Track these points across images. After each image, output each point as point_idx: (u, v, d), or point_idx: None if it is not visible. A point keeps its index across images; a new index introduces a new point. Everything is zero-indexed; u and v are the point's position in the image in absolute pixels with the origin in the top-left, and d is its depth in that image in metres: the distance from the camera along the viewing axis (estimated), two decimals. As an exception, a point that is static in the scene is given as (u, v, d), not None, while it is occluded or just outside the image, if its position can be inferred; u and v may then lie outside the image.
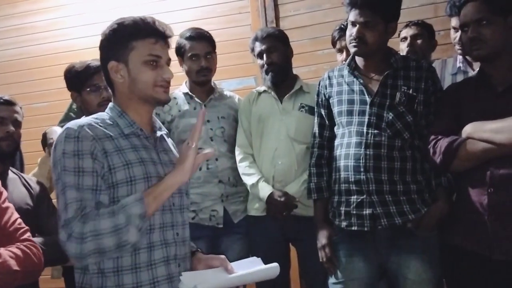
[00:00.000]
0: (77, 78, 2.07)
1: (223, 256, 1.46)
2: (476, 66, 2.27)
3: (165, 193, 1.33)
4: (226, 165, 2.41)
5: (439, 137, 1.80)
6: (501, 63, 1.76)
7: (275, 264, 1.39)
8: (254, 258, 1.48)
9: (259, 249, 2.30)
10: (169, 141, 1.56)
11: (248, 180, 2.35)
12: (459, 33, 2.37)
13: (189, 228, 1.48)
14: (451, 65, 2.49)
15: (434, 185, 1.90)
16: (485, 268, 1.71)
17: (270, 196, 2.27)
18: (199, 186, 2.36)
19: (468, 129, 1.74)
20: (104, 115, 1.44)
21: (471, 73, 2.26)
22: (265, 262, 1.45)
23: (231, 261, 1.46)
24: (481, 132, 1.71)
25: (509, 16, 1.73)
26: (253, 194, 2.36)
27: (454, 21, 2.44)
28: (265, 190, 2.29)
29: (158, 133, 1.48)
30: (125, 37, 1.39)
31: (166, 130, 1.54)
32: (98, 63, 1.64)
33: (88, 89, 2.05)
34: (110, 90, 1.48)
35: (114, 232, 1.24)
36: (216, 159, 2.39)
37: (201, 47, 2.43)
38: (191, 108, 2.46)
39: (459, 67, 2.44)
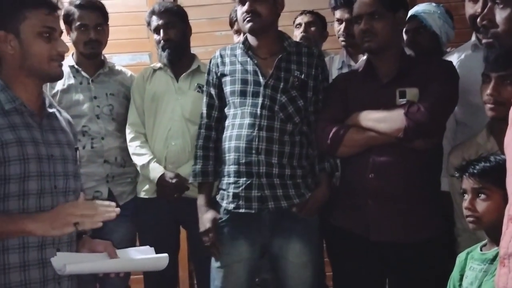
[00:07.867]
0: None
1: (109, 242, 1.41)
2: (358, 59, 2.39)
3: (15, 234, 1.23)
4: (113, 145, 2.29)
5: (327, 123, 1.87)
6: (387, 56, 1.85)
7: (164, 255, 1.35)
8: (147, 247, 1.41)
9: (148, 232, 2.25)
10: (63, 118, 1.47)
11: (139, 161, 2.26)
12: (343, 25, 2.45)
13: None
14: (337, 61, 2.59)
15: (317, 170, 1.97)
16: (363, 248, 1.82)
17: (161, 177, 2.21)
18: (82, 165, 2.21)
19: (354, 118, 1.84)
20: None
21: (354, 65, 2.37)
22: (154, 245, 1.40)
23: (116, 245, 1.40)
24: (366, 120, 1.81)
25: (397, 12, 1.84)
26: (143, 175, 2.28)
27: (339, 14, 2.47)
28: (156, 171, 2.22)
29: (50, 110, 1.40)
30: (16, 5, 1.29)
31: (59, 108, 1.46)
32: None
33: None
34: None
35: None
36: (102, 138, 2.27)
37: (91, 17, 2.27)
38: (76, 83, 2.30)
39: (343, 61, 2.54)
